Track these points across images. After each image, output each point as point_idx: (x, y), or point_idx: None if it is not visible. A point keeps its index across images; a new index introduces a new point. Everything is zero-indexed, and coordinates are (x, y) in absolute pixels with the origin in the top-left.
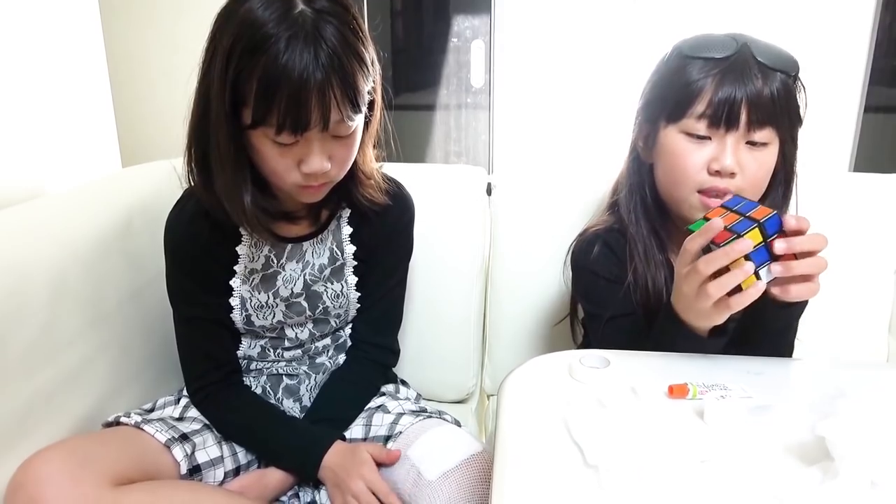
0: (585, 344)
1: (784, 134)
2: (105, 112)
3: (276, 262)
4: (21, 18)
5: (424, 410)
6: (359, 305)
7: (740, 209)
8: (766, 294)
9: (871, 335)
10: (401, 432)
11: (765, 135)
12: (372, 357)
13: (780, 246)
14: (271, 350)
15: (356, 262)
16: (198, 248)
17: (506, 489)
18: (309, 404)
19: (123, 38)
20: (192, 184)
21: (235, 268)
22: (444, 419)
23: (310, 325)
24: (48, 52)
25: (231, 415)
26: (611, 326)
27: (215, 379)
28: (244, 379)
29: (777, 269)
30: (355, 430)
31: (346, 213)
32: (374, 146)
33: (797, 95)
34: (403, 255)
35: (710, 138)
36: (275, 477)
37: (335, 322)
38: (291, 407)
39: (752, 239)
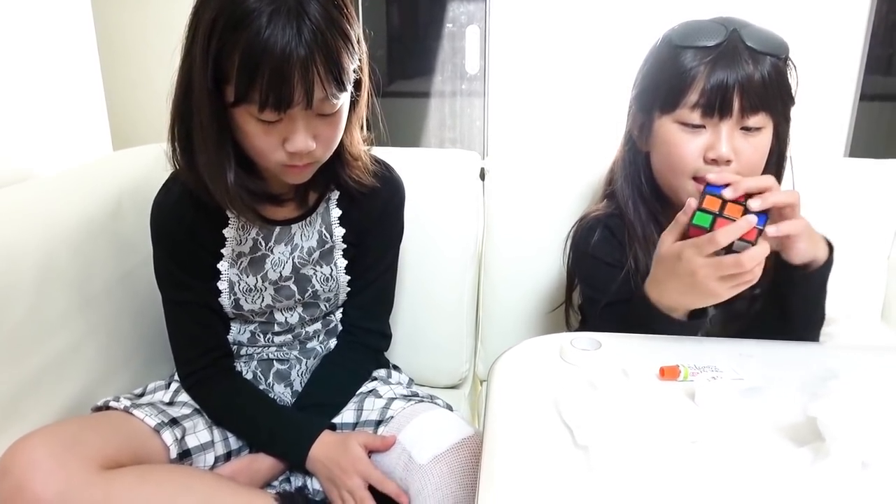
0: (582, 330)
1: (777, 116)
2: (96, 95)
3: (264, 244)
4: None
5: (416, 395)
6: (349, 289)
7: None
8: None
9: (863, 321)
10: (392, 417)
11: (758, 119)
12: (363, 341)
13: (754, 204)
14: (261, 335)
15: (345, 245)
16: (184, 231)
17: (495, 470)
18: (300, 389)
19: (114, 18)
20: (176, 162)
21: (223, 251)
22: (435, 403)
23: (299, 310)
24: (37, 33)
25: (220, 400)
26: (608, 312)
27: (205, 363)
28: (235, 364)
29: (771, 230)
30: (346, 415)
31: (335, 195)
32: (361, 129)
33: (788, 76)
34: (394, 239)
35: (704, 127)
36: (266, 462)
37: (325, 306)
38: (282, 392)
39: (735, 214)
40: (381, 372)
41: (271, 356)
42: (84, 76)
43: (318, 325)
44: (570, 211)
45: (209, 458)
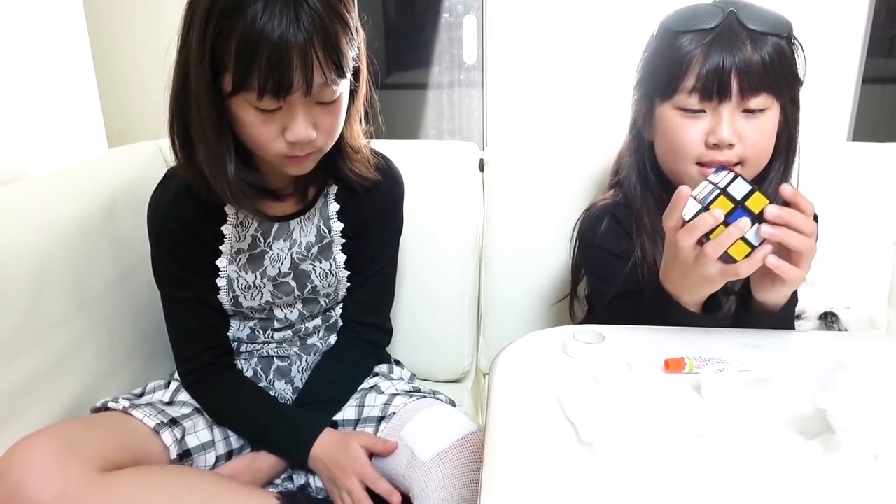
0: (588, 321)
1: (783, 97)
2: (89, 92)
3: (262, 241)
4: None
5: (418, 390)
6: (348, 284)
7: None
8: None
9: (870, 306)
10: (394, 413)
11: (761, 101)
12: (364, 337)
13: (772, 212)
14: (261, 332)
15: (344, 240)
16: (182, 228)
17: (497, 468)
18: (301, 386)
19: (106, 13)
20: (176, 157)
21: (221, 248)
22: (437, 399)
23: (299, 306)
24: (29, 30)
25: (220, 399)
26: (615, 304)
27: (205, 362)
28: (235, 362)
29: (767, 230)
30: (348, 412)
31: (334, 189)
32: (360, 122)
33: (794, 56)
34: (393, 233)
35: (704, 111)
36: (267, 461)
37: (325, 302)
38: (283, 389)
39: (721, 207)
40: (383, 367)
41: (271, 353)
42: (77, 73)
43: (318, 321)
44: (571, 201)
45: (210, 457)
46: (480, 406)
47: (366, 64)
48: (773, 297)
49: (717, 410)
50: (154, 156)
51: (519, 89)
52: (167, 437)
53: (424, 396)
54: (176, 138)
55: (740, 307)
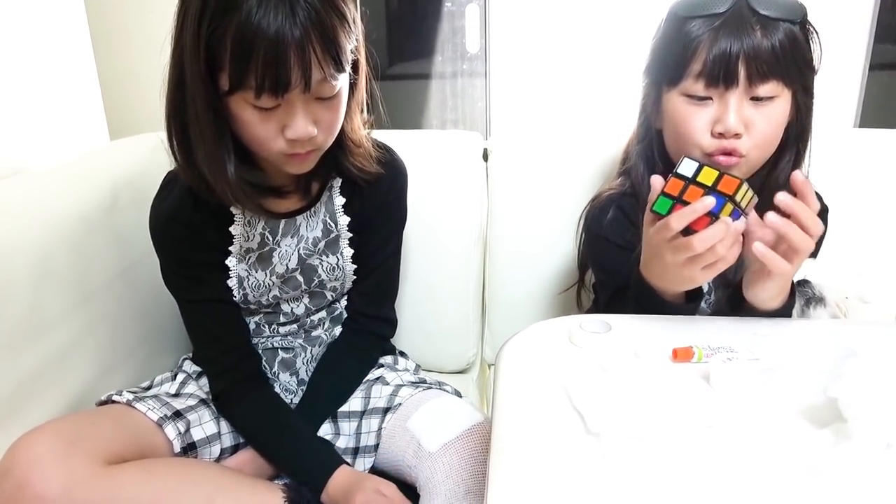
0: (594, 311)
1: (794, 85)
2: (90, 84)
3: (271, 239)
4: None
5: (424, 381)
6: (354, 277)
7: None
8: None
9: (879, 293)
10: (400, 404)
11: (770, 88)
12: (369, 328)
13: (781, 198)
14: (266, 326)
15: (351, 234)
16: (189, 234)
17: (504, 458)
18: (306, 378)
19: (108, 5)
20: (175, 159)
21: (230, 248)
22: (443, 390)
23: (305, 300)
24: (29, 22)
25: (241, 423)
26: (619, 297)
27: (229, 365)
28: (259, 367)
29: (774, 219)
30: (354, 403)
31: (338, 183)
32: (361, 112)
33: (809, 43)
34: (397, 224)
35: (711, 98)
36: None
37: (331, 295)
38: (288, 381)
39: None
40: (388, 359)
41: (276, 345)
42: (78, 65)
43: (323, 314)
44: (575, 191)
45: (215, 450)
46: (486, 397)
47: (364, 55)
48: (760, 294)
49: (727, 400)
50: (156, 148)
51: (522, 78)
52: (170, 430)
53: (430, 387)
54: (174, 139)
55: (726, 306)
